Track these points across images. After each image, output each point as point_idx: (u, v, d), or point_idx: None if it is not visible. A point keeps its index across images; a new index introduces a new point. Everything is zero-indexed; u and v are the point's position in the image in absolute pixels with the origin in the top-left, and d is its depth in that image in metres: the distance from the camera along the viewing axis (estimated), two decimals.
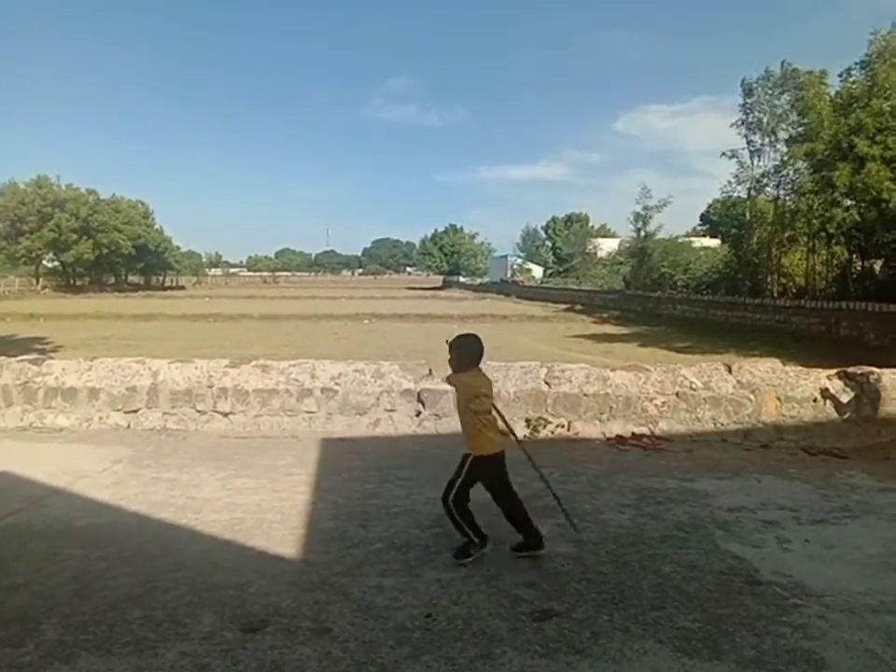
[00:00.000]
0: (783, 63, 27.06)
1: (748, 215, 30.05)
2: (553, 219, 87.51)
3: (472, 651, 3.06)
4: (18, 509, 4.93)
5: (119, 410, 7.61)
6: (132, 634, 3.20)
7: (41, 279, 63.84)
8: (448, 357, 4.18)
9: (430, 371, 7.67)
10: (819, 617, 3.40)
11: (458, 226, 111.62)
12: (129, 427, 7.53)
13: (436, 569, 3.89)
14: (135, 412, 7.60)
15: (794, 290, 27.73)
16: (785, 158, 26.10)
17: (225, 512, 4.84)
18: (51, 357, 8.92)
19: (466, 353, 4.15)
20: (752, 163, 29.00)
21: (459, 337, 4.27)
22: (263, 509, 4.91)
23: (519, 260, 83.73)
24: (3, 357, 8.26)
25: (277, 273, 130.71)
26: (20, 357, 8.39)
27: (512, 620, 3.35)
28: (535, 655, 3.03)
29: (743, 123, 28.74)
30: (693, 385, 7.24)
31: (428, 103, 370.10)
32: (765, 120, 27.73)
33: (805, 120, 23.58)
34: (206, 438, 7.12)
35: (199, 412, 7.55)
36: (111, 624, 3.29)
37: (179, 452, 6.57)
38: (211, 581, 3.76)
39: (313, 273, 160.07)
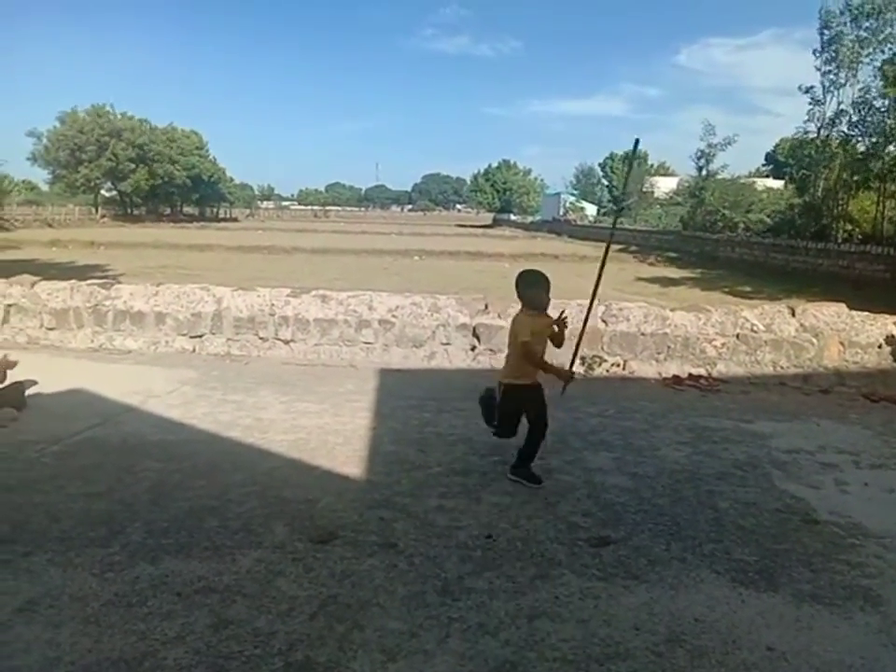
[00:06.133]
0: None
1: (813, 155, 28.51)
2: (611, 156, 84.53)
3: (532, 571, 3.18)
4: (95, 423, 5.19)
5: (184, 335, 7.88)
6: (209, 540, 3.41)
7: (100, 208, 65.06)
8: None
9: (486, 305, 7.70)
10: (877, 557, 3.41)
11: (511, 161, 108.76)
12: (194, 350, 7.80)
13: (494, 494, 4.01)
14: (200, 337, 7.85)
15: (860, 237, 26.53)
16: (866, 95, 24.53)
17: (290, 433, 5.04)
18: (119, 282, 9.20)
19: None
20: (826, 100, 27.43)
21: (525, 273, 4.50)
22: (326, 431, 5.09)
23: (572, 198, 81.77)
24: (73, 281, 8.58)
25: (327, 208, 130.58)
26: (89, 281, 8.70)
27: (570, 545, 3.45)
28: (592, 578, 3.13)
29: (820, 55, 26.96)
30: (755, 328, 7.12)
31: (480, 33, 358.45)
32: (844, 52, 25.93)
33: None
34: (268, 364, 7.34)
35: (261, 339, 7.76)
36: (190, 531, 3.50)
37: (243, 376, 6.80)
38: (281, 495, 3.95)
39: (362, 209, 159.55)
